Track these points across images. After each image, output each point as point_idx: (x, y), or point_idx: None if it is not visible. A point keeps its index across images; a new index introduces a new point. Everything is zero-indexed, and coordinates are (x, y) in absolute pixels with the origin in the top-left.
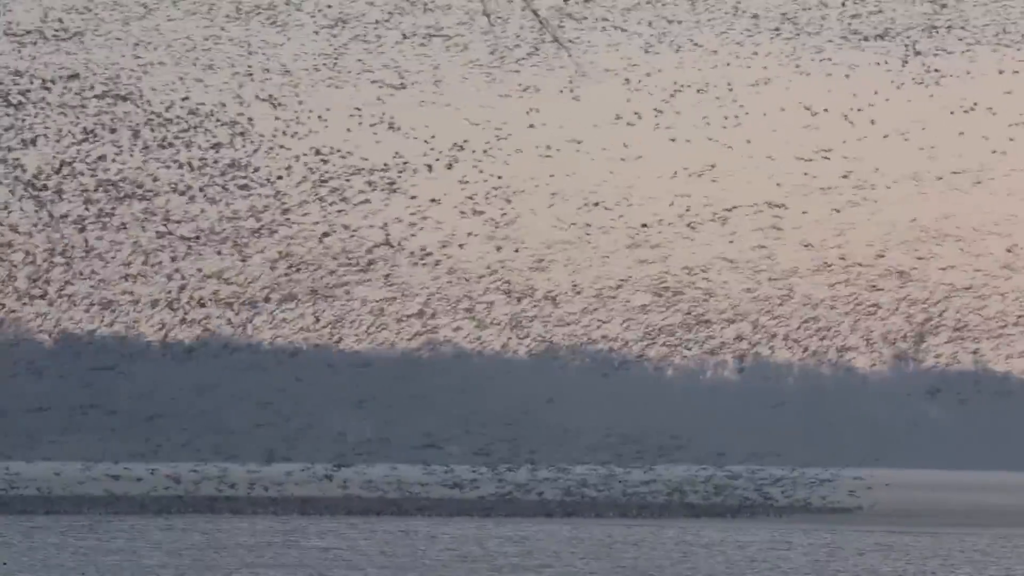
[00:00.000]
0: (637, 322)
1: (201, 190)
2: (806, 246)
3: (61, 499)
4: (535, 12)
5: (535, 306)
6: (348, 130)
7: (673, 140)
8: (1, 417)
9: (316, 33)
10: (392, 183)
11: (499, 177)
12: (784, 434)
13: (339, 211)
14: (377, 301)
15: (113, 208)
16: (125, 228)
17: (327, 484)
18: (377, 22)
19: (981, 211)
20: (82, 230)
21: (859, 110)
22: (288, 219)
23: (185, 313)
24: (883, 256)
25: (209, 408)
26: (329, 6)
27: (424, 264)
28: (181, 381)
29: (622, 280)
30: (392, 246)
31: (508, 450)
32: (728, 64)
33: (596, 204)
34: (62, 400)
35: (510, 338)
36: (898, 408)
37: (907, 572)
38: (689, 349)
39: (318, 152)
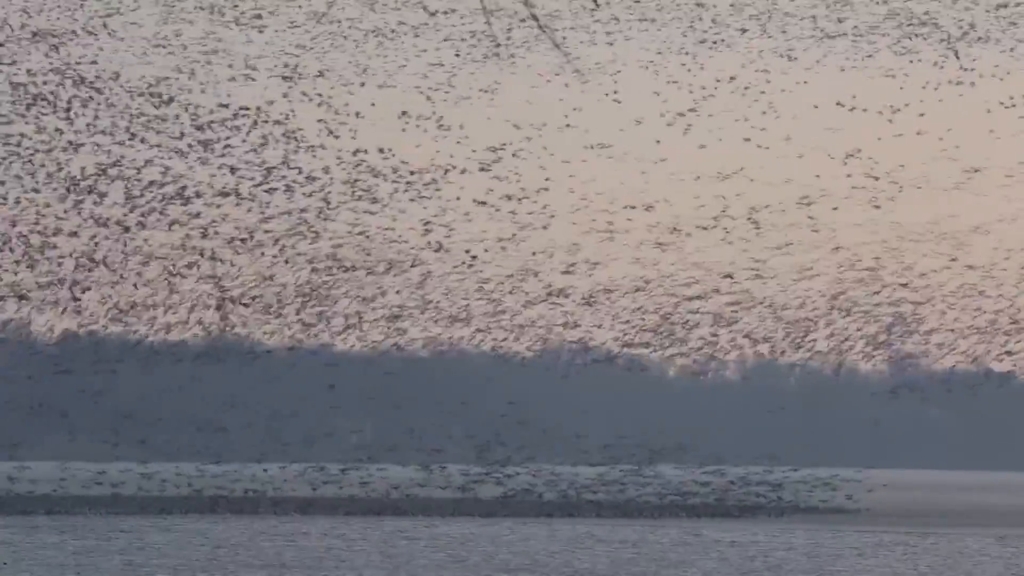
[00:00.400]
0: (640, 323)
1: (235, 192)
2: (836, 250)
3: (61, 499)
4: (534, 15)
5: (541, 306)
6: (384, 132)
7: (703, 146)
8: (3, 417)
9: (357, 38)
10: (417, 185)
11: (543, 176)
12: (784, 435)
13: (366, 212)
14: (380, 300)
15: (142, 209)
16: (150, 229)
17: (327, 484)
18: (413, 26)
19: (1006, 210)
20: (126, 230)
21: (898, 110)
22: (311, 221)
23: (190, 315)
24: (898, 256)
25: (209, 408)
26: (372, 9)
27: (443, 264)
28: (182, 381)
29: (622, 280)
30: (413, 248)
31: (508, 451)
32: (765, 68)
33: (629, 207)
34: (64, 400)
35: (512, 338)
36: (898, 408)
37: (907, 572)
38: (690, 350)
39: (355, 152)
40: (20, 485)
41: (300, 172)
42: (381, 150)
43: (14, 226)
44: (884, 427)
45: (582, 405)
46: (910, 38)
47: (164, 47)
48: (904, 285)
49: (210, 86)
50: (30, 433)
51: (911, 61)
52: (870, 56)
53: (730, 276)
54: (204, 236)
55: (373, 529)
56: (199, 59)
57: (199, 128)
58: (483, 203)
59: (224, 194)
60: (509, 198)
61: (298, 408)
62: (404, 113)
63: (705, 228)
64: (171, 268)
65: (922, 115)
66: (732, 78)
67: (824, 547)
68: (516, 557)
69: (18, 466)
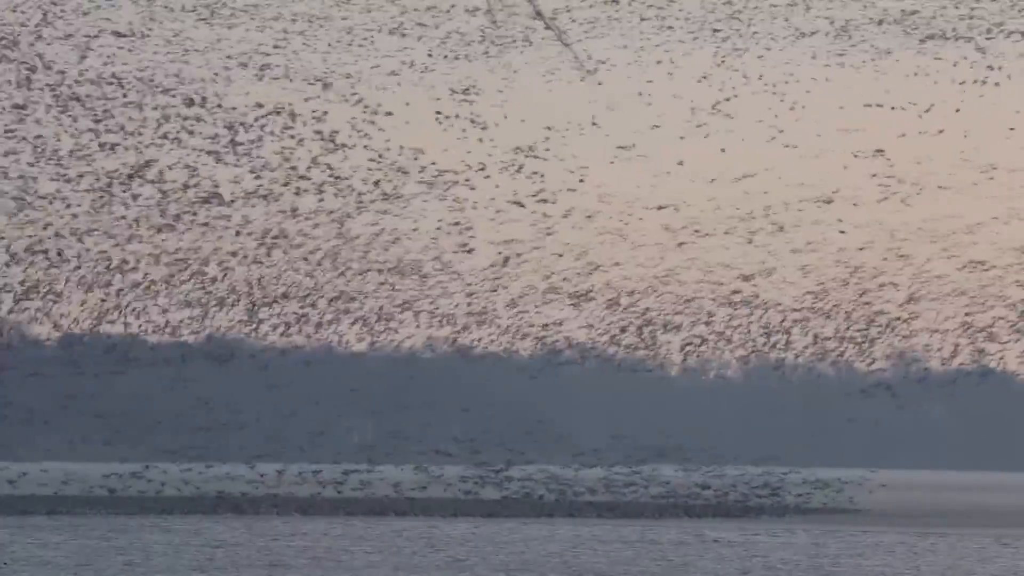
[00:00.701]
0: (642, 323)
1: (262, 193)
2: (861, 248)
3: (62, 499)
4: (539, 13)
5: (548, 307)
6: (414, 132)
7: (723, 150)
8: (4, 418)
9: (387, 39)
10: (437, 186)
11: (577, 176)
12: (784, 435)
13: (382, 212)
14: (384, 301)
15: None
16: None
17: (327, 485)
18: (448, 31)
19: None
20: (158, 231)
21: (926, 110)
22: (327, 221)
23: (196, 316)
24: (906, 255)
25: (211, 409)
26: (414, 10)
27: (449, 266)
28: (185, 383)
29: (630, 281)
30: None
31: (509, 452)
32: (789, 69)
33: (649, 208)
34: (65, 401)
35: (513, 339)
36: (898, 408)
37: (907, 573)
38: (692, 350)
39: (381, 156)
40: (21, 486)
41: (329, 172)
42: (407, 150)
43: (45, 228)
44: (884, 427)
45: (583, 406)
46: (935, 38)
47: (195, 49)
48: (906, 284)
49: (239, 87)
50: (31, 434)
51: (936, 59)
52: (895, 54)
53: (743, 277)
54: (222, 237)
55: (373, 530)
56: (229, 61)
57: (230, 128)
58: (516, 203)
59: (255, 195)
60: (534, 197)
61: (298, 409)
62: (439, 113)
63: (717, 230)
64: (198, 269)
65: (955, 111)
66: (760, 76)
67: (824, 548)
68: (516, 558)
69: (18, 467)
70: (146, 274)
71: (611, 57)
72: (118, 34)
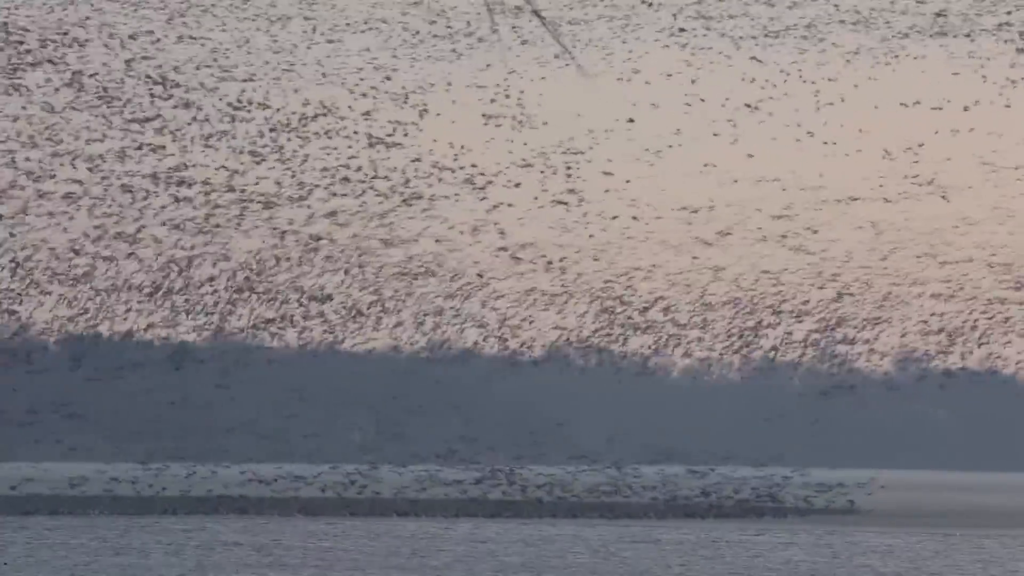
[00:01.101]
0: (644, 324)
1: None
2: (871, 250)
3: (62, 499)
4: (538, 13)
5: (544, 308)
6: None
7: (751, 155)
8: (5, 418)
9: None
10: (454, 190)
11: (603, 177)
12: (785, 436)
13: (410, 216)
14: (395, 303)
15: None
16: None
17: (328, 485)
18: (476, 35)
19: None
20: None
21: (965, 109)
22: (348, 223)
23: (200, 316)
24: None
25: (212, 409)
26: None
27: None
28: (187, 383)
29: (632, 282)
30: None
31: (511, 452)
32: (823, 71)
33: (685, 209)
34: (68, 402)
35: (516, 340)
36: (898, 408)
37: (908, 573)
38: (693, 351)
39: (417, 160)
40: (21, 486)
41: (371, 172)
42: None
43: (87, 236)
44: (885, 428)
45: (584, 406)
46: (971, 36)
47: (240, 51)
48: (907, 284)
49: (285, 89)
50: (31, 434)
51: (972, 57)
52: (929, 53)
53: (742, 277)
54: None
55: (375, 530)
56: (274, 63)
57: (273, 130)
58: (558, 205)
59: (287, 197)
60: (560, 196)
61: (298, 409)
62: (484, 115)
63: (734, 230)
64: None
65: (998, 108)
66: (801, 69)
67: (824, 548)
68: (516, 558)
69: (19, 467)
70: (154, 274)
71: (635, 56)
72: (159, 33)
